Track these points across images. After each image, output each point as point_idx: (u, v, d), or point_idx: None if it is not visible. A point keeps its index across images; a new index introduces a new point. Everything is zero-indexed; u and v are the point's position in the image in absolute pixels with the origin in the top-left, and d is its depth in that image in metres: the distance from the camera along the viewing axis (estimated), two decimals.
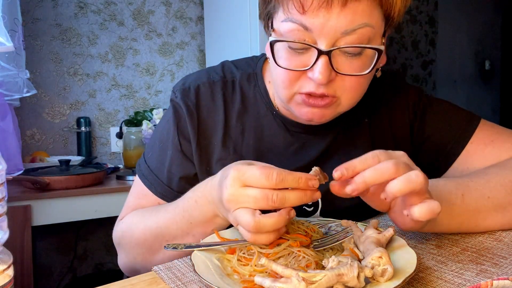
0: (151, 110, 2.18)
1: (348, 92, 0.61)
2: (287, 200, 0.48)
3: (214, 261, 0.51)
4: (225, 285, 0.44)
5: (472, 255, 0.55)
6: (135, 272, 0.71)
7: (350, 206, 0.68)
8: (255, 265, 0.48)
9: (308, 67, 0.59)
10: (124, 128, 1.98)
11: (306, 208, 0.70)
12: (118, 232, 0.74)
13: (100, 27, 2.15)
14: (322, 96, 0.60)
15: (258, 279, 0.42)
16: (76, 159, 1.85)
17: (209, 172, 0.72)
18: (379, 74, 0.70)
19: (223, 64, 0.79)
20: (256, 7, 1.82)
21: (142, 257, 0.69)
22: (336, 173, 0.50)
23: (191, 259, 0.50)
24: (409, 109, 0.77)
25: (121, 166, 1.99)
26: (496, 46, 3.88)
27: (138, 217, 0.71)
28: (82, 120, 2.03)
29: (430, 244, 0.59)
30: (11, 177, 1.37)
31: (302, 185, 0.48)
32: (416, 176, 0.47)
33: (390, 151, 0.51)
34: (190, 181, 0.72)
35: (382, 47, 0.59)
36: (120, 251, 0.75)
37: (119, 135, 2.03)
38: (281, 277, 0.41)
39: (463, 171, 0.73)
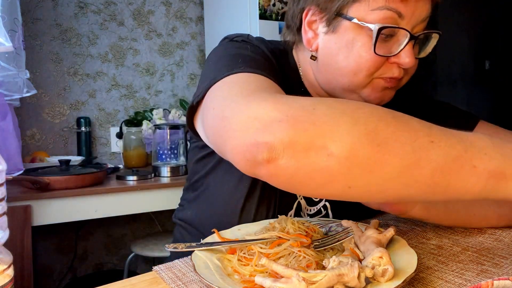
0: (151, 110, 2.18)
1: (409, 74, 0.68)
2: None
3: (215, 261, 0.50)
4: (225, 285, 0.44)
5: (473, 255, 0.55)
6: None
7: (355, 210, 0.67)
8: (256, 265, 0.48)
9: (396, 53, 0.63)
10: (124, 128, 1.98)
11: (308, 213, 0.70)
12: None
13: (100, 27, 2.15)
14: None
15: (258, 279, 0.42)
16: (76, 159, 1.85)
17: None
18: None
19: (261, 38, 0.76)
20: (256, 7, 1.82)
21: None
22: None
23: (191, 259, 0.50)
24: (408, 111, 0.77)
25: (121, 166, 1.99)
26: (496, 46, 3.88)
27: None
28: (82, 120, 2.03)
29: (431, 244, 0.59)
30: (11, 177, 1.37)
31: None
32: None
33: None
34: None
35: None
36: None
37: (119, 135, 2.03)
38: (282, 277, 0.41)
39: None
